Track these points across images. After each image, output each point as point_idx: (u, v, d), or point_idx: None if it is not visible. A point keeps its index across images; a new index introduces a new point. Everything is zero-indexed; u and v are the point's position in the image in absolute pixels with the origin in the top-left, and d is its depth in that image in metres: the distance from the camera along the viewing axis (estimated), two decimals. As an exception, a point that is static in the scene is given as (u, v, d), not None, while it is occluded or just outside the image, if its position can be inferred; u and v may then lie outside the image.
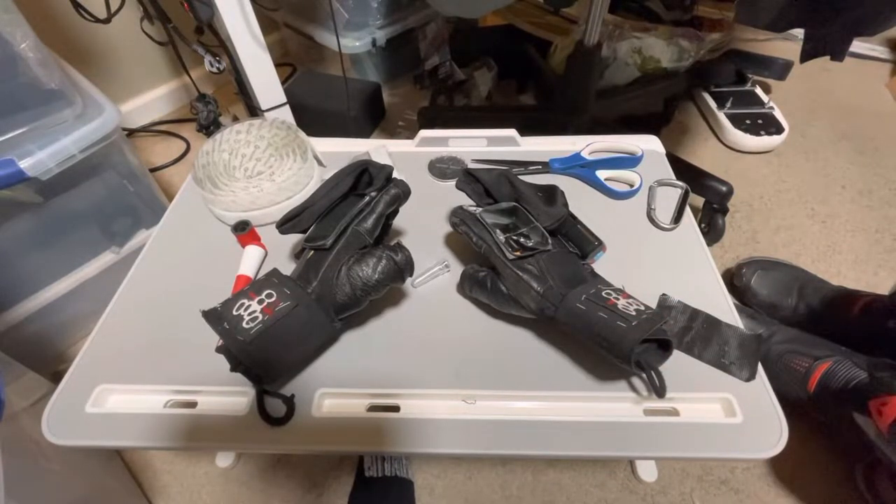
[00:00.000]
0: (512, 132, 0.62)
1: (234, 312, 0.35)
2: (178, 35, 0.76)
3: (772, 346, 0.69)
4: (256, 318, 0.35)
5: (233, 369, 0.36)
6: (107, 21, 0.68)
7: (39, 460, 0.52)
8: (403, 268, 0.39)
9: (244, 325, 0.34)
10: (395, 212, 0.44)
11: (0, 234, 0.68)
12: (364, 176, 0.44)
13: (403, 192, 0.43)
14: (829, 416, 0.66)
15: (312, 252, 0.41)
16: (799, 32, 0.65)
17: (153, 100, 1.30)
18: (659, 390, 0.36)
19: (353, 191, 0.43)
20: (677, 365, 0.39)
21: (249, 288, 0.37)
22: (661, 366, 0.37)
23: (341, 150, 0.62)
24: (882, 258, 0.91)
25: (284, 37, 1.49)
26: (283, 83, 0.83)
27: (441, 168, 0.59)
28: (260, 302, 0.36)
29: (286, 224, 0.42)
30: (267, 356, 0.36)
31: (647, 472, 0.64)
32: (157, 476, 0.68)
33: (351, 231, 0.40)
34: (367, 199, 0.42)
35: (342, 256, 0.39)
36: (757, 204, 1.02)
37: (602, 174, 0.56)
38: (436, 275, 0.48)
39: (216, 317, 0.35)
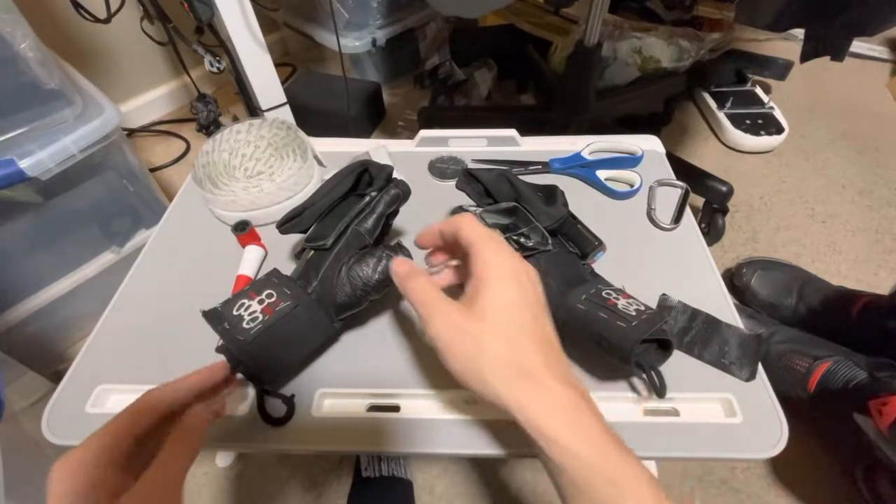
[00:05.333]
0: (512, 132, 0.62)
1: (235, 312, 0.35)
2: (178, 35, 0.76)
3: (772, 346, 0.69)
4: (257, 318, 0.35)
5: (233, 369, 0.36)
6: (107, 21, 0.68)
7: (39, 460, 0.52)
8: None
9: (244, 325, 0.34)
10: (396, 212, 0.44)
11: (0, 234, 0.68)
12: (364, 176, 0.44)
13: (403, 192, 0.42)
14: (829, 416, 0.66)
15: (312, 252, 0.41)
16: (799, 32, 0.65)
17: (153, 100, 1.30)
18: (659, 390, 0.36)
19: (353, 191, 0.43)
20: (677, 365, 0.39)
21: (250, 288, 0.37)
22: (662, 366, 0.37)
23: (341, 150, 0.62)
24: (882, 258, 0.91)
25: (284, 37, 1.49)
26: (283, 83, 0.83)
27: (441, 168, 0.59)
28: (260, 302, 0.35)
29: (286, 224, 0.42)
30: (267, 356, 0.36)
31: (647, 472, 0.64)
32: (157, 476, 0.68)
33: (351, 231, 0.40)
34: (368, 199, 0.42)
35: (342, 256, 0.39)
36: (757, 204, 1.02)
37: (602, 174, 0.56)
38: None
39: (216, 317, 0.35)
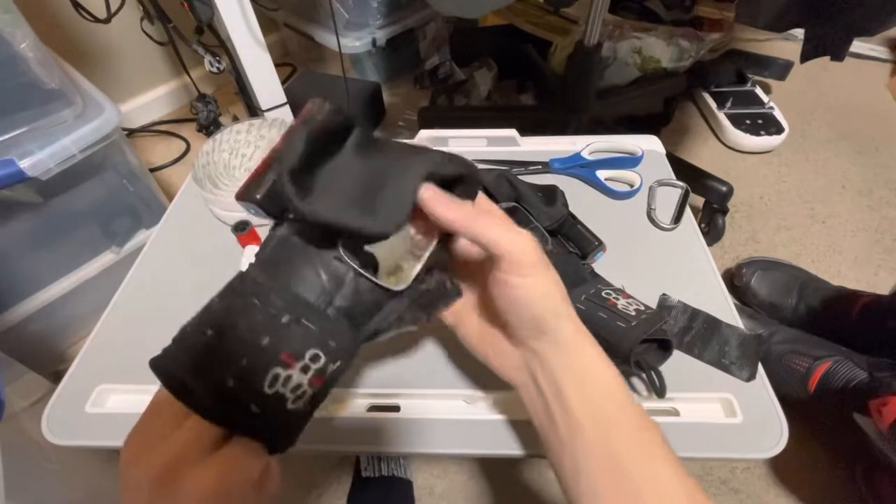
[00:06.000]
0: (512, 132, 0.62)
1: (268, 390, 0.23)
2: (178, 35, 0.77)
3: (772, 347, 0.69)
4: (304, 392, 0.24)
5: (272, 452, 0.24)
6: (107, 21, 0.68)
7: (39, 460, 0.52)
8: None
9: (289, 405, 0.23)
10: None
11: (0, 234, 0.68)
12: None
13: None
14: (829, 416, 0.66)
15: (336, 258, 0.26)
16: (799, 32, 0.65)
17: (153, 100, 1.30)
18: (659, 390, 0.36)
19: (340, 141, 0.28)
20: (677, 365, 0.39)
21: (281, 346, 0.23)
22: (661, 366, 0.37)
23: (341, 150, 0.62)
24: (882, 258, 0.91)
25: (284, 37, 1.49)
26: (283, 83, 0.83)
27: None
28: (304, 369, 0.24)
29: (264, 192, 0.26)
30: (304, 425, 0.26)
31: (647, 472, 0.64)
32: (157, 476, 0.68)
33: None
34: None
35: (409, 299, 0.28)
36: (757, 204, 1.02)
37: (602, 174, 0.56)
38: (436, 275, 0.48)
39: (231, 401, 0.23)
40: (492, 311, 0.31)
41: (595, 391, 0.27)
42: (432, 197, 0.27)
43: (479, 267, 0.31)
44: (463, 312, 0.33)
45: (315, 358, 0.24)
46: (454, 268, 0.33)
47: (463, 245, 0.31)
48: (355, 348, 0.26)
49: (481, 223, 0.27)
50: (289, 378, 0.23)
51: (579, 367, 0.28)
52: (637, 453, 0.26)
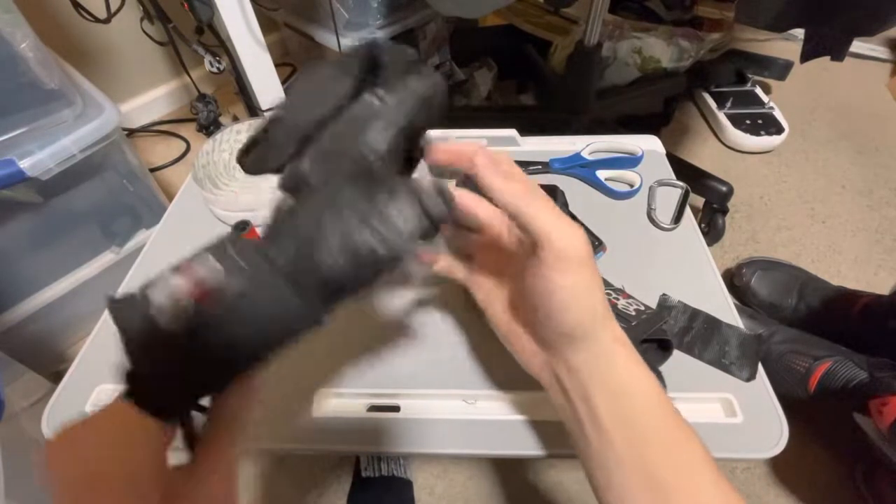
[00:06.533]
0: (512, 132, 0.62)
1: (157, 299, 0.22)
2: (178, 35, 0.77)
3: (772, 346, 0.69)
4: (183, 305, 0.22)
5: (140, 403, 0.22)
6: (107, 21, 0.69)
7: (39, 460, 0.52)
8: (436, 214, 0.22)
9: (160, 319, 0.22)
10: (424, 127, 0.27)
11: (0, 234, 0.68)
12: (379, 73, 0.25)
13: (435, 89, 0.26)
14: (829, 416, 0.66)
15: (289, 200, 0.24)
16: (799, 32, 0.65)
17: (153, 100, 1.30)
18: (659, 390, 0.36)
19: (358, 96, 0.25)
20: (677, 365, 0.39)
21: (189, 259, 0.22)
22: (662, 366, 0.37)
23: (341, 150, 0.62)
24: (882, 258, 0.91)
25: (284, 37, 1.49)
26: (283, 83, 0.83)
27: (441, 168, 0.59)
28: (198, 283, 0.21)
29: (249, 155, 0.25)
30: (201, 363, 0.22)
31: (647, 472, 0.64)
32: (157, 476, 0.68)
33: (340, 150, 0.24)
34: (376, 102, 0.24)
35: (335, 199, 0.22)
36: (757, 204, 1.02)
37: (602, 174, 0.56)
38: (436, 275, 0.48)
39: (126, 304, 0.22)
40: (518, 306, 0.29)
41: (627, 404, 0.26)
42: (485, 162, 0.26)
43: (510, 256, 0.29)
44: (492, 297, 0.31)
45: (214, 268, 0.21)
46: (478, 254, 0.31)
47: (491, 224, 0.29)
48: (265, 274, 0.21)
49: (534, 206, 0.24)
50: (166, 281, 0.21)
51: (612, 380, 0.26)
52: (672, 466, 0.25)
